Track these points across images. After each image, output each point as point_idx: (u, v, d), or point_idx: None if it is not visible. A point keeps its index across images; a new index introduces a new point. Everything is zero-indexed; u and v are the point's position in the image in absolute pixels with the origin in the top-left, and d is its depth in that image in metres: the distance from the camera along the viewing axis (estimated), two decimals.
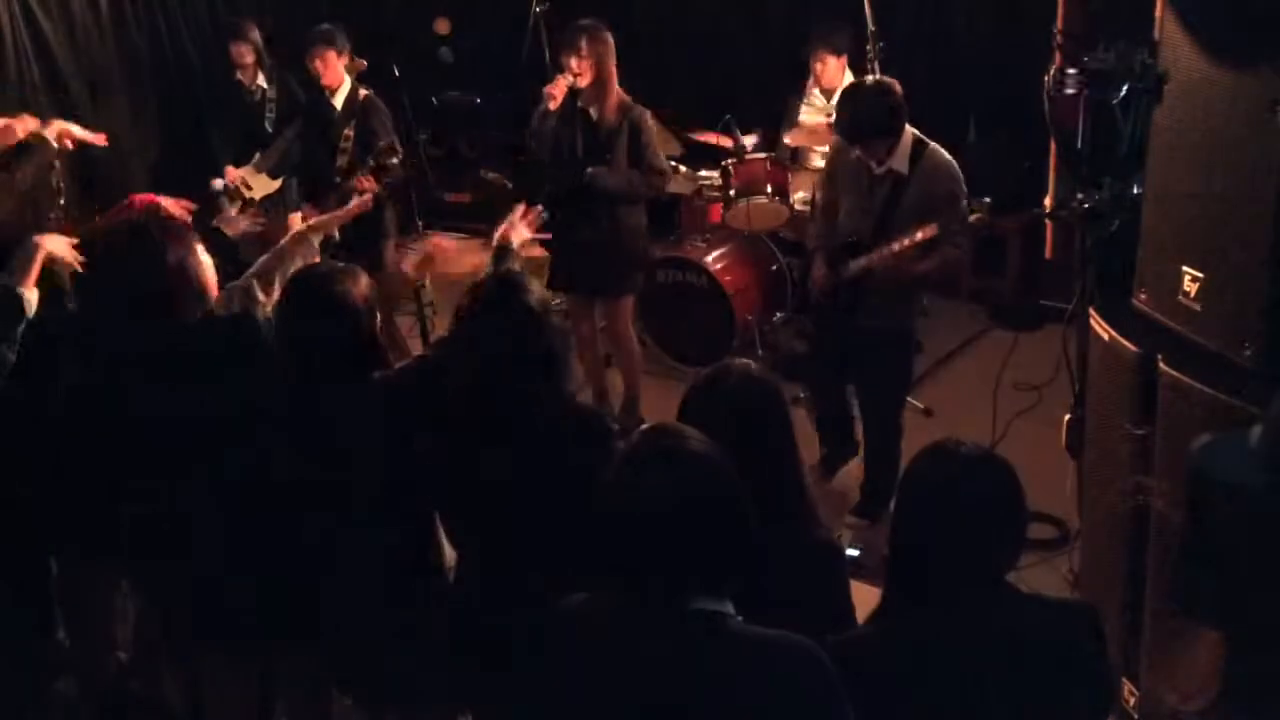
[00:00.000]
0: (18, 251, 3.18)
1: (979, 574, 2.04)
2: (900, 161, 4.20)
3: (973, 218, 4.10)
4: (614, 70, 4.94)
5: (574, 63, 4.88)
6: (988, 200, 4.11)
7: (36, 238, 3.21)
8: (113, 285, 3.03)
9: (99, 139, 4.45)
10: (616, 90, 4.98)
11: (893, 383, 4.60)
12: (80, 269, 3.20)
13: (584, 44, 4.85)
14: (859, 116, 4.17)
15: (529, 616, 2.17)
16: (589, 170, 4.95)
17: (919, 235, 4.11)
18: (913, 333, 4.62)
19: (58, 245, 3.21)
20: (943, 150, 4.24)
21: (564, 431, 2.67)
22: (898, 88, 4.17)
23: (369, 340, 2.86)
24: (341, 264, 2.96)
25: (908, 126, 4.23)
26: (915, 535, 2.10)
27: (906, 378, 4.76)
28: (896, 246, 4.16)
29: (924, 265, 4.24)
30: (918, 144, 4.22)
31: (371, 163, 5.43)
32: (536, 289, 2.73)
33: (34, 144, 4.09)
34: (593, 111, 4.98)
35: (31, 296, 3.15)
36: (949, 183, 4.20)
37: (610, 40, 4.92)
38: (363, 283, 2.86)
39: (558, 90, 4.93)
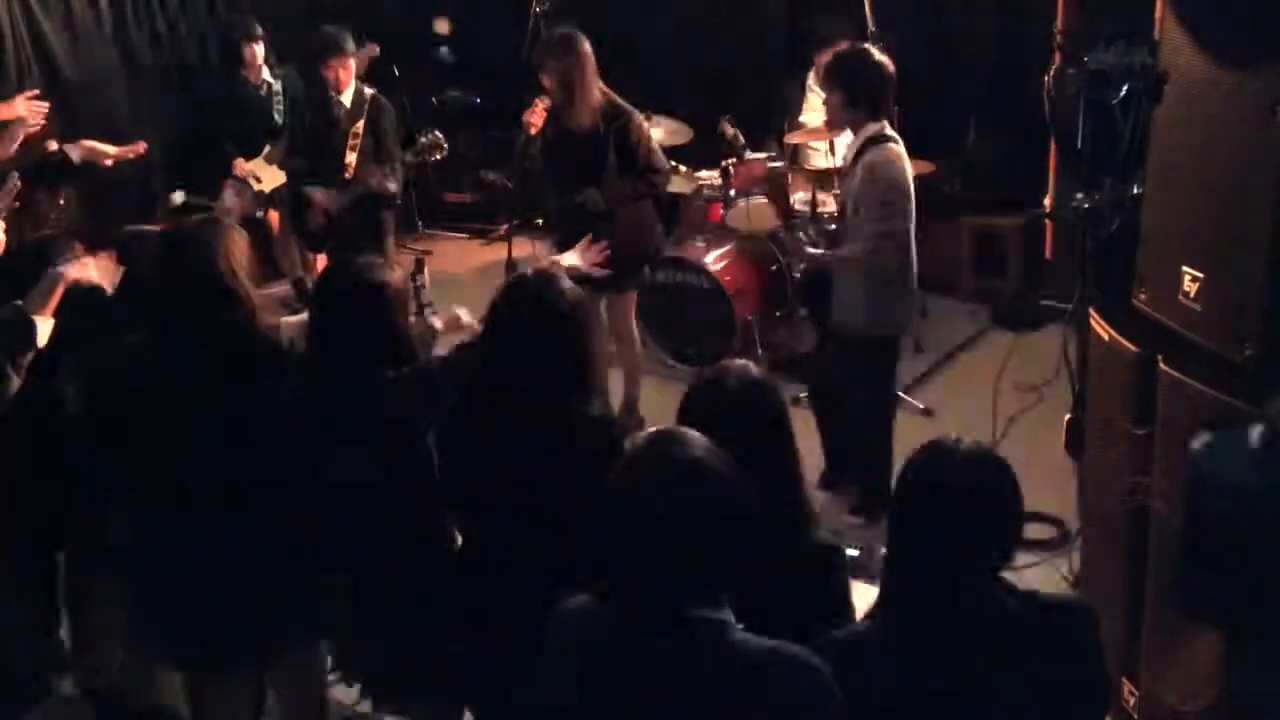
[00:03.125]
0: (39, 282, 3.08)
1: (976, 571, 2.05)
2: (848, 151, 4.19)
3: None
4: (586, 78, 4.83)
5: (546, 82, 4.86)
6: None
7: (59, 267, 3.11)
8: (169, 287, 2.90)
9: (138, 149, 4.55)
10: (593, 97, 4.87)
11: (867, 385, 4.46)
12: (105, 288, 3.18)
13: (549, 62, 4.82)
14: (847, 59, 4.19)
15: (530, 617, 2.18)
16: (577, 199, 4.90)
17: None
18: (886, 334, 4.39)
19: (81, 271, 3.14)
20: (891, 153, 4.10)
21: (576, 432, 2.67)
22: (892, 77, 4.13)
23: (403, 331, 2.89)
24: (375, 257, 3.00)
25: (886, 127, 4.16)
26: (911, 532, 2.10)
27: (883, 379, 4.54)
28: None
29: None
30: (869, 141, 4.13)
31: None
32: (571, 288, 2.73)
33: (77, 165, 4.10)
34: (574, 123, 4.91)
35: (45, 327, 3.05)
36: (877, 180, 4.08)
37: (580, 48, 4.81)
38: (397, 275, 2.91)
39: (535, 117, 4.94)
